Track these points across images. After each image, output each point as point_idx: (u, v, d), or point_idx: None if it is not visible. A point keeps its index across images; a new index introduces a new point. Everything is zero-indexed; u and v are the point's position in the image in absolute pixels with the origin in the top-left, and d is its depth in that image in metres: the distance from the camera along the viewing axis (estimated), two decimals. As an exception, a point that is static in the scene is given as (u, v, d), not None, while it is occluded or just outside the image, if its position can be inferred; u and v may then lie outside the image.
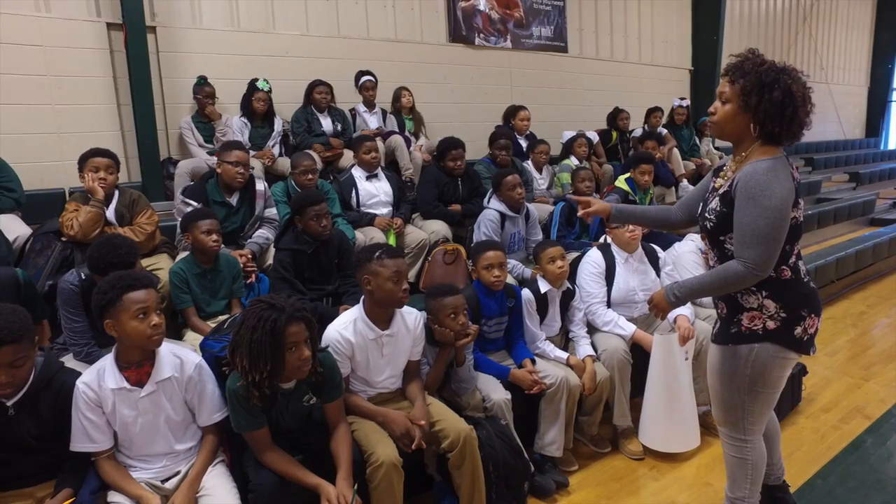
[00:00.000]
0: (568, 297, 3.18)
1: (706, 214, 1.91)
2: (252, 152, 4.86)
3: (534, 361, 2.89)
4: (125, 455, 2.05)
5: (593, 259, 3.28)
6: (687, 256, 3.54)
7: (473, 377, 2.68)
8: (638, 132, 6.71)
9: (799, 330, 1.82)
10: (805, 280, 1.86)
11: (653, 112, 6.91)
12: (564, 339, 3.24)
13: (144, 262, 3.32)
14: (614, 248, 3.31)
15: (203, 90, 4.85)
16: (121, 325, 1.94)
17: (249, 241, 3.49)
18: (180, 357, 2.10)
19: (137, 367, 2.02)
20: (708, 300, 3.44)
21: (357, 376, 2.42)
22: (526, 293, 3.05)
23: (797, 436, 3.17)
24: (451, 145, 4.37)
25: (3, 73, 4.41)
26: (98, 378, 1.98)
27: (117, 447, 2.04)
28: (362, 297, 2.44)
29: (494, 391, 2.66)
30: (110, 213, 3.31)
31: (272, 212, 3.69)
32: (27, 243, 3.28)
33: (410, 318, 2.50)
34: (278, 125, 5.10)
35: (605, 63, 8.07)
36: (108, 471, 1.98)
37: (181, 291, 2.89)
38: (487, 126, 5.84)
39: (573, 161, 5.53)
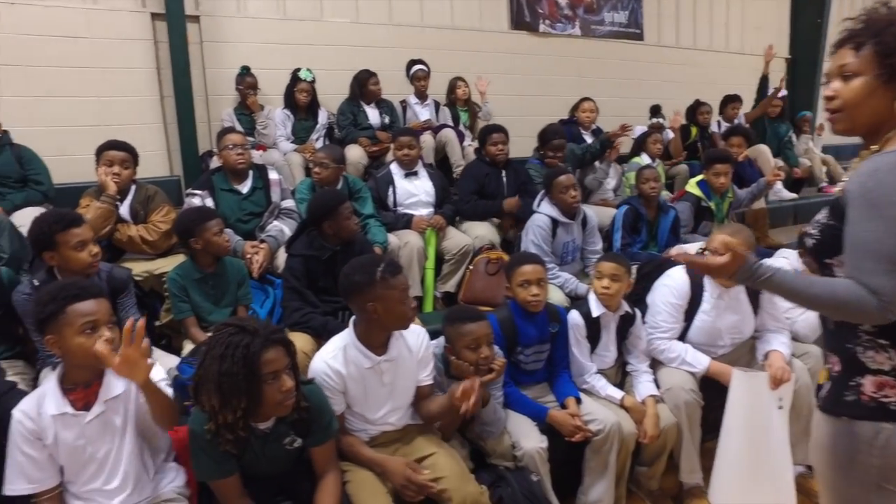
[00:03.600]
0: (627, 323, 2.63)
1: (810, 229, 1.37)
2: (294, 146, 4.63)
3: (579, 400, 2.39)
4: (72, 495, 1.73)
5: (676, 286, 2.62)
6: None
7: (501, 419, 2.21)
8: (714, 127, 5.97)
9: None
10: None
11: (730, 101, 6.08)
12: (621, 373, 2.70)
13: (158, 262, 3.10)
14: (707, 277, 2.62)
15: (245, 81, 4.65)
16: (64, 341, 1.65)
17: (265, 233, 3.19)
18: None
19: (85, 387, 1.72)
20: (807, 332, 2.79)
21: (354, 413, 2.01)
22: (573, 317, 2.55)
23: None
24: (493, 129, 4.03)
25: (51, 65, 4.36)
26: (38, 405, 1.68)
27: (64, 485, 1.73)
28: (352, 318, 2.04)
29: (526, 437, 2.19)
30: (124, 209, 3.10)
31: (290, 203, 3.39)
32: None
33: (412, 337, 2.08)
34: (322, 117, 4.83)
35: (685, 52, 7.28)
36: None
37: (179, 300, 2.61)
38: (550, 121, 5.27)
39: (644, 159, 4.92)
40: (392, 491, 1.87)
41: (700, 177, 4.16)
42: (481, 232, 3.71)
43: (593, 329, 2.57)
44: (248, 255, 3.00)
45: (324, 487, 1.79)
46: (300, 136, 4.73)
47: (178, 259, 3.11)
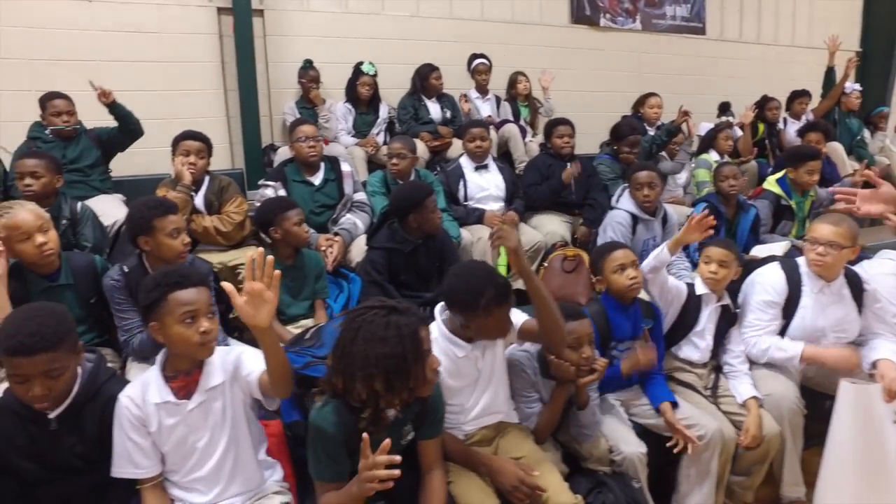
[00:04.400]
0: (727, 321, 2.51)
1: None
2: (355, 140, 4.60)
3: (675, 405, 2.27)
4: (174, 484, 1.72)
5: (772, 282, 2.49)
6: (884, 281, 2.69)
7: (598, 421, 2.11)
8: (781, 124, 5.72)
9: None
10: None
11: (798, 97, 5.82)
12: (714, 377, 2.53)
13: (231, 254, 3.10)
14: (804, 269, 2.50)
15: (307, 74, 4.67)
16: (165, 329, 1.62)
17: (339, 226, 3.16)
18: (231, 353, 1.76)
19: (186, 375, 1.69)
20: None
21: (451, 407, 1.93)
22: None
23: None
24: (559, 122, 4.00)
25: (124, 60, 4.43)
26: (142, 392, 1.67)
27: (165, 475, 1.72)
28: (440, 306, 1.97)
29: (626, 442, 2.08)
30: (199, 200, 3.11)
31: (362, 196, 3.36)
32: (121, 228, 3.14)
33: None
34: (384, 112, 4.82)
35: (749, 46, 7.03)
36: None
37: None
38: (610, 117, 5.16)
39: (713, 156, 4.74)
40: (496, 492, 1.80)
41: (779, 174, 3.97)
42: (552, 228, 3.62)
43: (694, 308, 2.48)
44: (323, 248, 2.97)
45: (431, 487, 1.71)
46: (361, 130, 4.71)
47: (251, 252, 3.10)
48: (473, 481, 1.80)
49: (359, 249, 3.04)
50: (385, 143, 4.63)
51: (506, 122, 4.83)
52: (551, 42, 5.88)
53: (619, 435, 2.11)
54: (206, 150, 3.13)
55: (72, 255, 2.38)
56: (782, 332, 2.51)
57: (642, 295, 2.48)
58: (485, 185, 3.66)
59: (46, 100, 3.64)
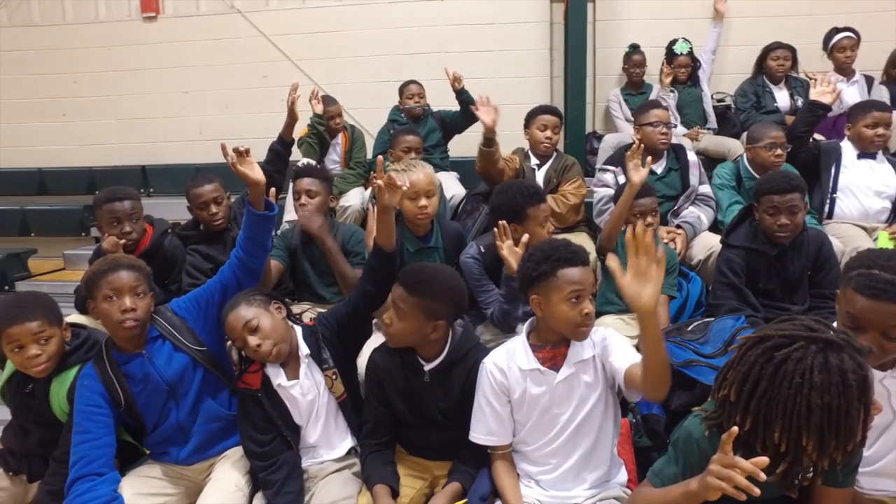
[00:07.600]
0: None
1: None
2: (684, 130, 4.23)
3: None
4: (524, 456, 1.71)
5: None
6: None
7: None
8: None
9: None
10: None
11: None
12: None
13: (563, 237, 3.08)
14: None
15: (631, 59, 4.52)
16: (549, 305, 1.59)
17: (681, 219, 2.89)
18: (598, 331, 1.67)
19: (553, 347, 1.66)
20: None
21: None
22: None
23: None
24: None
25: (464, 50, 4.81)
26: (507, 359, 1.69)
27: (515, 445, 1.72)
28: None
29: None
30: (540, 175, 3.14)
31: (707, 189, 3.02)
32: (461, 204, 3.36)
33: None
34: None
35: None
36: (500, 474, 1.69)
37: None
38: None
39: None
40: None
41: None
42: (961, 245, 2.76)
43: None
44: (664, 241, 2.74)
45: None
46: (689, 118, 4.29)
47: (581, 237, 3.04)
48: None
49: (702, 246, 2.73)
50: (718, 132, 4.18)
51: (883, 107, 3.90)
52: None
53: None
54: (560, 125, 3.21)
55: (444, 221, 2.58)
56: None
57: None
58: (867, 177, 2.94)
59: (404, 86, 4.16)
